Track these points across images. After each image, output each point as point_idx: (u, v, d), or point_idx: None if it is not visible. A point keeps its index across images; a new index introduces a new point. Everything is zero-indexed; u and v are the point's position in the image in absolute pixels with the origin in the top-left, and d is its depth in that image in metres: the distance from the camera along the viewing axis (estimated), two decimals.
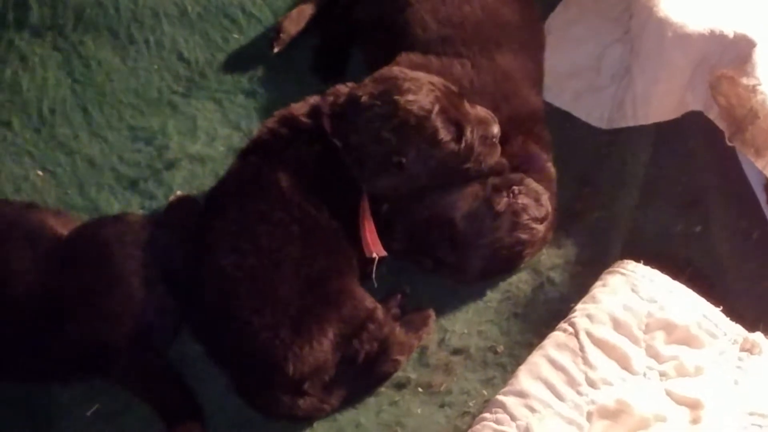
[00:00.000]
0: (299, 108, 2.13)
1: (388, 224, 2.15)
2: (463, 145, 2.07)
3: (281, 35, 2.46)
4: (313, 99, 2.14)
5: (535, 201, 2.16)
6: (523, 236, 2.15)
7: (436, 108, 2.03)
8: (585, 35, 2.47)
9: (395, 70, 2.11)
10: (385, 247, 2.15)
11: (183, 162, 2.40)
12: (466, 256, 2.15)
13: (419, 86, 2.04)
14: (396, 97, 2.02)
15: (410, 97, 2.02)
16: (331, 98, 2.11)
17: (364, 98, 2.04)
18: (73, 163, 2.41)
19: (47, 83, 2.50)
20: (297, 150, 2.08)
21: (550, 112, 2.40)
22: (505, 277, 2.23)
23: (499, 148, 2.17)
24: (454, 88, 2.11)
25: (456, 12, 2.32)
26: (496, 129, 2.13)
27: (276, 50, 2.47)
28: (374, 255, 2.13)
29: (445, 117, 2.04)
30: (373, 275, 2.16)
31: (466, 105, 2.10)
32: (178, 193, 2.33)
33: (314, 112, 2.10)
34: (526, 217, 2.13)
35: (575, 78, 2.44)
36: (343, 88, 2.12)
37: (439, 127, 2.03)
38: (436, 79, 2.09)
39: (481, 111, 2.13)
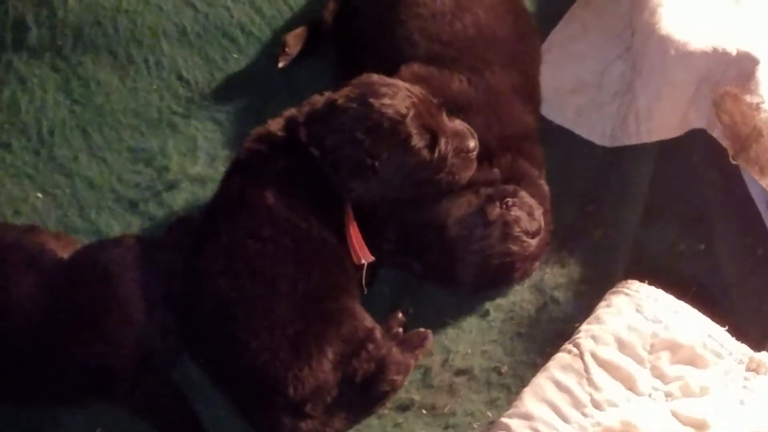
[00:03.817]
0: (275, 123, 2.14)
1: (380, 225, 2.16)
2: (436, 154, 2.07)
3: (286, 50, 2.46)
4: (289, 112, 2.15)
5: (528, 215, 2.16)
6: (514, 248, 2.14)
7: (411, 113, 2.04)
8: (587, 51, 2.47)
9: (374, 76, 2.12)
10: (376, 247, 2.14)
11: (183, 183, 2.39)
12: (455, 261, 2.15)
13: (396, 91, 2.06)
14: (371, 100, 2.04)
15: (386, 101, 2.03)
16: (307, 107, 2.12)
17: (340, 101, 2.06)
18: (73, 185, 2.40)
19: (46, 104, 2.49)
20: (276, 165, 2.09)
21: (552, 129, 2.40)
22: (509, 296, 2.23)
23: (474, 163, 2.17)
24: (433, 99, 2.11)
25: (446, 30, 2.31)
26: (472, 143, 2.14)
27: (281, 65, 2.47)
28: (362, 261, 2.12)
29: (419, 124, 2.05)
30: (363, 281, 2.14)
31: (444, 116, 2.11)
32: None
33: (289, 124, 2.11)
34: (517, 229, 2.13)
35: (577, 94, 2.43)
36: (319, 97, 2.13)
37: (412, 133, 2.04)
38: (415, 88, 2.10)
39: (458, 124, 2.14)
